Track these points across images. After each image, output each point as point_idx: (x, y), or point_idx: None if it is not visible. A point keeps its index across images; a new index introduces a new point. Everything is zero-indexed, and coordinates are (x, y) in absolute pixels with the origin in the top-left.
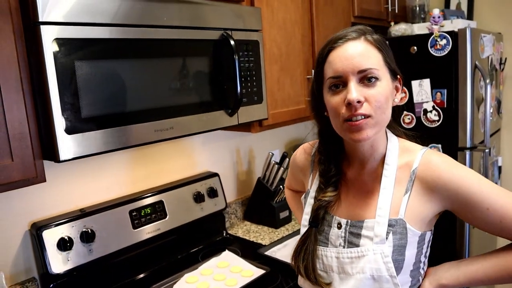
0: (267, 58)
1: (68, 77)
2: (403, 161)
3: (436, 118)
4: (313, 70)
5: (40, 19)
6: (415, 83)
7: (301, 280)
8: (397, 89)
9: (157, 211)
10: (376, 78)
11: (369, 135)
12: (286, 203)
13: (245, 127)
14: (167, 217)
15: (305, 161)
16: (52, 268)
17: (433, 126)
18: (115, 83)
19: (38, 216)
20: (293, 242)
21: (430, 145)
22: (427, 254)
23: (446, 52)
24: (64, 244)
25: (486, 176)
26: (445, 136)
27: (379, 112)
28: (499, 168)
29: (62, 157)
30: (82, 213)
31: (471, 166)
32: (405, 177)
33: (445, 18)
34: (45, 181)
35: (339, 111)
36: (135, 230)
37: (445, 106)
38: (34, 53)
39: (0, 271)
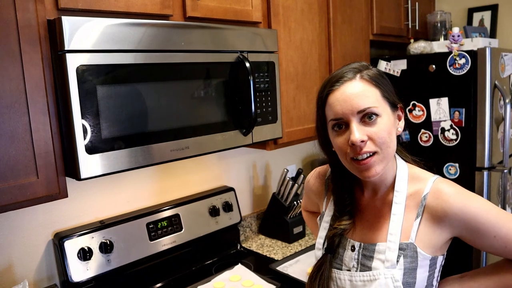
0: (283, 77)
1: (90, 100)
2: (413, 189)
3: (454, 137)
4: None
5: (66, 48)
6: (433, 102)
7: None
8: (399, 117)
9: (173, 224)
10: (376, 115)
11: (378, 171)
12: (300, 219)
13: (260, 145)
14: (183, 230)
15: (319, 185)
16: (73, 276)
17: (451, 145)
18: (133, 105)
19: (61, 226)
20: (305, 258)
21: (447, 164)
22: (439, 278)
23: (465, 71)
24: (84, 254)
25: (504, 197)
26: (463, 155)
27: (384, 147)
28: None
29: (82, 176)
30: (102, 225)
31: (489, 187)
32: (416, 204)
33: (466, 36)
34: (67, 196)
35: (345, 151)
36: (152, 242)
37: (463, 125)
38: (60, 79)
39: (24, 278)
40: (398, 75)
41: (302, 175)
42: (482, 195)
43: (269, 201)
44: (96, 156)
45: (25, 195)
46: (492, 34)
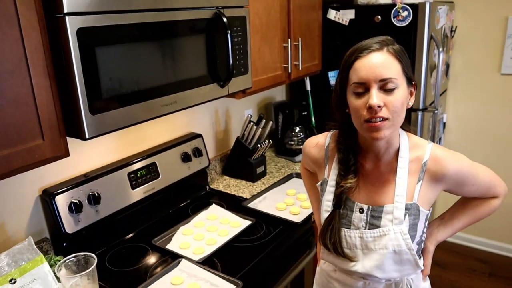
0: (250, 29)
1: (90, 63)
2: (413, 155)
3: None
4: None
5: (65, 10)
6: None
7: (325, 254)
8: (411, 93)
9: (151, 172)
10: (395, 86)
11: (386, 135)
12: (262, 160)
13: (232, 95)
14: (160, 177)
15: (318, 155)
16: (66, 229)
17: None
18: (128, 65)
19: (46, 182)
20: (270, 195)
21: None
22: (427, 225)
23: (407, 23)
24: (76, 207)
25: (433, 132)
26: None
27: (395, 115)
28: (444, 124)
29: (88, 136)
30: (87, 178)
31: (422, 125)
32: (417, 169)
33: None
34: (69, 156)
35: (361, 113)
36: (134, 190)
37: None
38: (59, 42)
39: (16, 235)
40: (347, 24)
41: (263, 120)
42: (417, 132)
43: (233, 144)
44: (99, 116)
45: (34, 158)
46: None
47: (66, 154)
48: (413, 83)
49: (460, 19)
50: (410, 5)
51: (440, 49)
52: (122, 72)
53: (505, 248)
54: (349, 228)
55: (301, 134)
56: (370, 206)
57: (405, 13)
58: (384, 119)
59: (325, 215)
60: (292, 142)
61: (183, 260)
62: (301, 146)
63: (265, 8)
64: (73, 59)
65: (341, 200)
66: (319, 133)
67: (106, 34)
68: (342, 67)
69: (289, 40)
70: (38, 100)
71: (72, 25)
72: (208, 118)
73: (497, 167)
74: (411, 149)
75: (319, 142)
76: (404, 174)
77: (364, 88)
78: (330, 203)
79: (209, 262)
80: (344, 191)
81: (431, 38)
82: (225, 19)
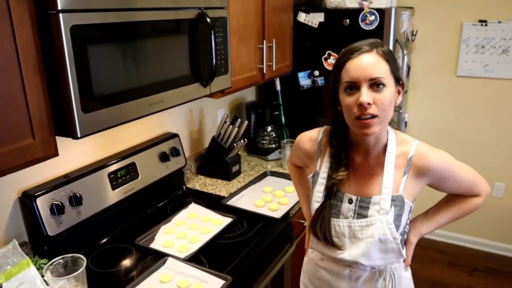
0: (230, 30)
1: (82, 60)
2: (400, 151)
3: None
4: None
5: (59, 7)
6: None
7: (313, 243)
8: (399, 92)
9: (131, 172)
10: (383, 85)
11: (375, 131)
12: (237, 159)
13: (212, 94)
14: (140, 177)
15: (311, 148)
16: (48, 231)
17: None
18: (119, 63)
19: (24, 184)
20: (248, 193)
21: None
22: (410, 218)
23: (374, 27)
24: (58, 209)
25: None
26: None
27: (383, 112)
28: (405, 123)
29: (80, 134)
30: (68, 179)
31: None
32: (403, 163)
33: None
34: (58, 155)
35: (352, 110)
36: (114, 190)
37: None
38: (52, 39)
39: (8, 239)
40: (316, 26)
41: (239, 120)
42: None
43: (209, 143)
44: (91, 114)
45: (24, 157)
46: None
47: (56, 153)
48: (400, 82)
49: (420, 24)
50: (377, 9)
51: (404, 52)
52: (114, 70)
53: (462, 239)
54: (338, 218)
55: (273, 133)
56: (359, 197)
57: (372, 17)
58: (374, 116)
59: (316, 205)
60: (264, 141)
61: (170, 258)
62: (273, 145)
63: (242, 10)
64: (66, 56)
65: (332, 192)
66: (290, 131)
67: (99, 32)
68: (334, 68)
69: (264, 41)
70: (29, 97)
71: (65, 22)
72: (183, 118)
73: None
74: (398, 145)
75: (312, 137)
76: (391, 167)
77: (354, 86)
78: (321, 194)
79: (195, 259)
80: (335, 183)
81: (396, 41)
82: (208, 20)
